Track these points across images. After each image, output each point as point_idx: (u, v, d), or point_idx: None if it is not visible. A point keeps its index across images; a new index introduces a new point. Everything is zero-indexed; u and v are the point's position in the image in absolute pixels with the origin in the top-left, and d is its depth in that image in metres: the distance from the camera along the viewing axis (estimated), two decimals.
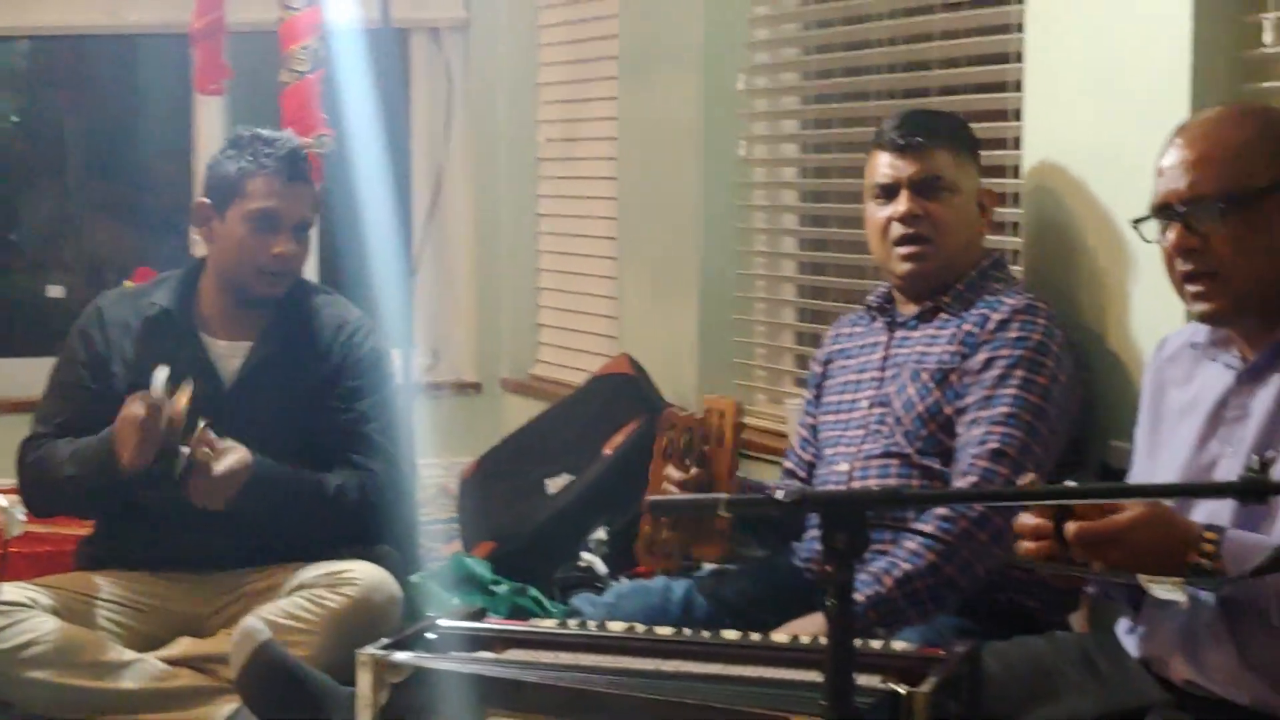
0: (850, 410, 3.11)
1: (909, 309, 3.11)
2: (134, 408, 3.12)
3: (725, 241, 4.26)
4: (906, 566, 2.81)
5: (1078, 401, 2.97)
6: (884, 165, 3.08)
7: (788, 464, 3.24)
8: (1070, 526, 2.22)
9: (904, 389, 3.02)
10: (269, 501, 3.24)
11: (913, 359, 3.04)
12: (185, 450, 3.12)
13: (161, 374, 3.12)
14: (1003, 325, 2.94)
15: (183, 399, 3.11)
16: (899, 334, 3.10)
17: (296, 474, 3.29)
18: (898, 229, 3.05)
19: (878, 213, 3.09)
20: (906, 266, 3.05)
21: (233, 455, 3.17)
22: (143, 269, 4.29)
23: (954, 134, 3.09)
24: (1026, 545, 2.29)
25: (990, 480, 2.83)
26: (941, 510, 2.83)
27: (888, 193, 3.07)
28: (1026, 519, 2.29)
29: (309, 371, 3.40)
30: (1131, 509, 2.22)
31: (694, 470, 2.97)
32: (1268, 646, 2.27)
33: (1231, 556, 2.19)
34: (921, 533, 2.80)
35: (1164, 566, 2.19)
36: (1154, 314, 2.88)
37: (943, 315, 3.04)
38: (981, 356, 2.94)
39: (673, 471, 2.99)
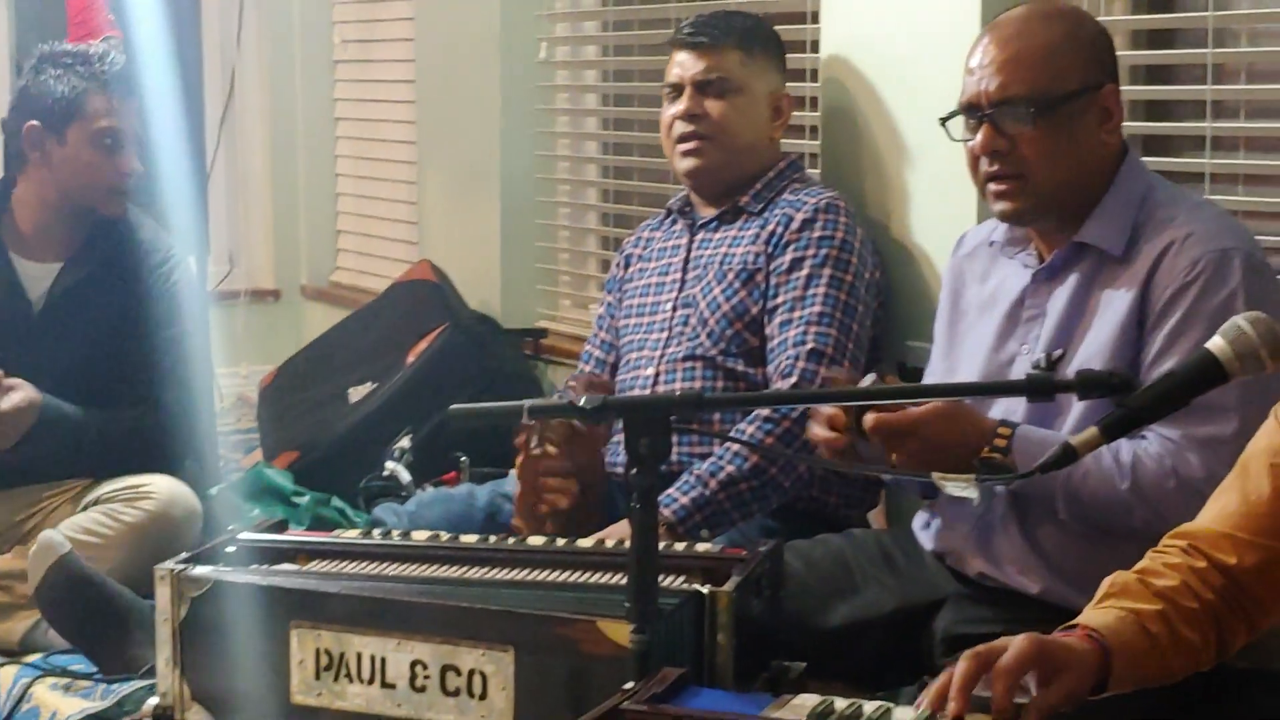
0: (653, 313, 3.12)
1: (708, 210, 3.12)
2: None
3: (526, 146, 4.23)
4: (730, 469, 2.83)
5: (878, 299, 3.02)
6: (675, 64, 3.11)
7: (586, 367, 3.24)
8: (867, 418, 2.28)
9: (709, 289, 3.03)
10: (56, 442, 3.20)
11: (717, 259, 3.05)
12: None
13: None
14: (807, 224, 2.97)
15: None
16: (700, 236, 3.12)
17: (84, 416, 3.23)
18: (679, 126, 3.08)
19: (666, 111, 3.12)
20: (685, 163, 3.08)
21: (18, 394, 3.12)
22: None
23: (746, 34, 3.09)
24: (818, 433, 2.35)
25: (810, 380, 2.86)
26: (764, 411, 2.86)
27: (677, 91, 3.09)
28: (821, 410, 2.34)
29: (116, 297, 3.33)
30: (927, 402, 2.27)
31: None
32: (1055, 537, 2.34)
33: (1022, 451, 2.26)
34: (742, 440, 2.82)
35: (958, 459, 2.25)
36: (946, 216, 2.93)
37: (744, 216, 3.07)
38: (788, 256, 2.97)
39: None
